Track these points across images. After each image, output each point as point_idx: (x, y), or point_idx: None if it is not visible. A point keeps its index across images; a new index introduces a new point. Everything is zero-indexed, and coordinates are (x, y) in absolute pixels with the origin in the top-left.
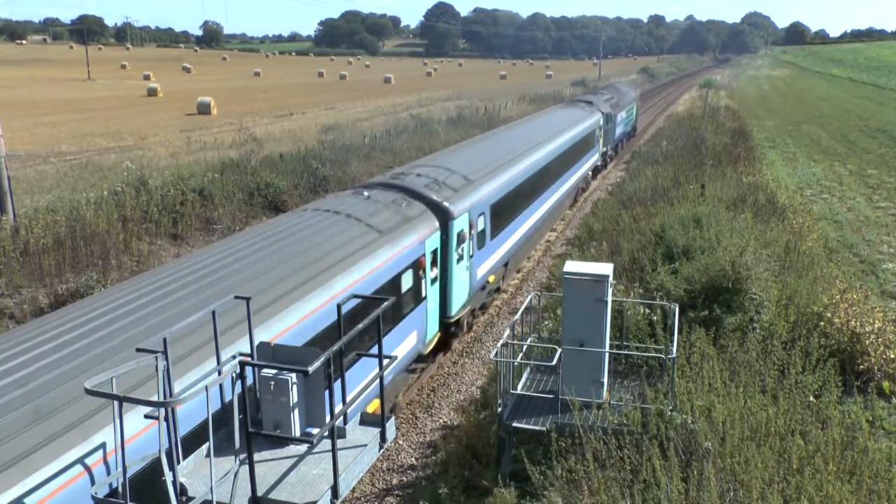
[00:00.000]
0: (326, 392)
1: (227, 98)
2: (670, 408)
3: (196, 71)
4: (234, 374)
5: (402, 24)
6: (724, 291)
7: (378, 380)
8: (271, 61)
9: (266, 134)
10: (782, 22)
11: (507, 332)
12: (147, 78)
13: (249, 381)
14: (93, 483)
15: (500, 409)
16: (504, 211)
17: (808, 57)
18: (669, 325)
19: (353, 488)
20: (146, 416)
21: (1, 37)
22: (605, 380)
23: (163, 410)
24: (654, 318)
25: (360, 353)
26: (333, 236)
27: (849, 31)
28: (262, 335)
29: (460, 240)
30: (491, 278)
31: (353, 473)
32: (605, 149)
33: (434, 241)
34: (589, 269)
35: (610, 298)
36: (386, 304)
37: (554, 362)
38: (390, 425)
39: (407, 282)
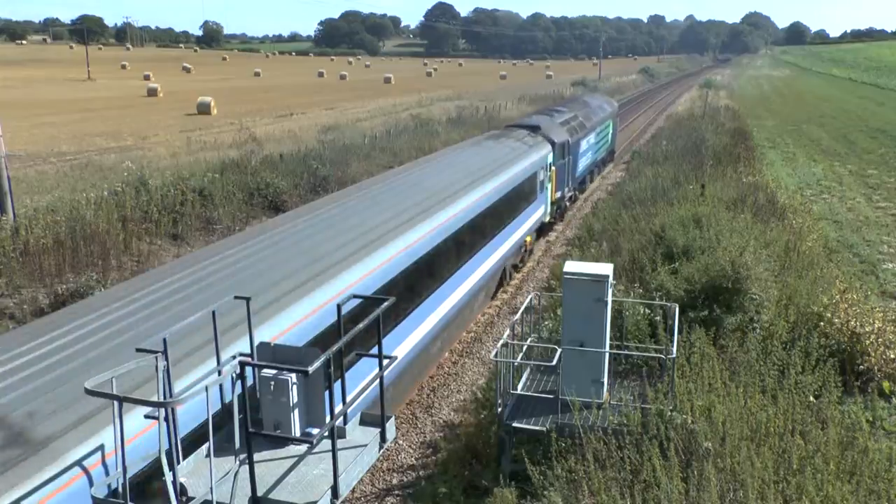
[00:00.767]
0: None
1: (227, 98)
2: (670, 408)
3: (196, 71)
4: (233, 375)
5: (402, 24)
6: (724, 291)
7: (378, 380)
8: (271, 61)
9: (266, 134)
10: (782, 22)
11: (507, 332)
12: (147, 78)
13: (249, 381)
14: (91, 484)
15: (500, 410)
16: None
17: (809, 57)
18: (669, 325)
19: (353, 488)
20: (146, 417)
21: (1, 37)
22: (605, 380)
23: (163, 411)
24: (655, 318)
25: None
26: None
27: (849, 31)
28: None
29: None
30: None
31: (353, 473)
32: (558, 194)
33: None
34: (589, 269)
35: (610, 298)
36: (386, 304)
37: (554, 362)
38: (390, 425)
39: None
